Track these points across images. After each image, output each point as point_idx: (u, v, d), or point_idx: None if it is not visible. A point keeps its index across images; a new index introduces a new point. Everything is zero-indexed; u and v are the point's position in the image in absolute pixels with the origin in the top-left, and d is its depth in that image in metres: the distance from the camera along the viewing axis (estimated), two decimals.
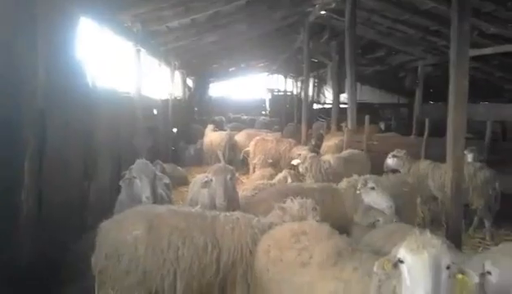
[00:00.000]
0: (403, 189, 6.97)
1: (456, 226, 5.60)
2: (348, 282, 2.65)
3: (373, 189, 5.41)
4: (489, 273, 2.74)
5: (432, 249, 2.17)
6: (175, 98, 15.73)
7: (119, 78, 9.93)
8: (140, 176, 4.97)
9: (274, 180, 8.10)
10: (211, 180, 5.13)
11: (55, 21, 5.41)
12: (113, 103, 8.09)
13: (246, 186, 7.66)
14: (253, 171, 11.44)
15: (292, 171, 8.52)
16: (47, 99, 5.02)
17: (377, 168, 9.20)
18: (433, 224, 7.91)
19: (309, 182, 7.56)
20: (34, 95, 4.86)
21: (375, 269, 2.30)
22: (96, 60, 7.35)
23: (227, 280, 3.86)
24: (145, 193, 4.89)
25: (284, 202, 4.49)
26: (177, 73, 16.75)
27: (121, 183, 5.12)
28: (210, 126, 15.60)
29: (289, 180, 7.90)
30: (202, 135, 15.48)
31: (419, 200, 7.43)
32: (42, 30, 4.97)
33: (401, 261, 2.23)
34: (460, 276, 2.24)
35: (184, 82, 18.99)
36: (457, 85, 5.39)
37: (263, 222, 4.07)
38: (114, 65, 9.61)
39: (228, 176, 5.12)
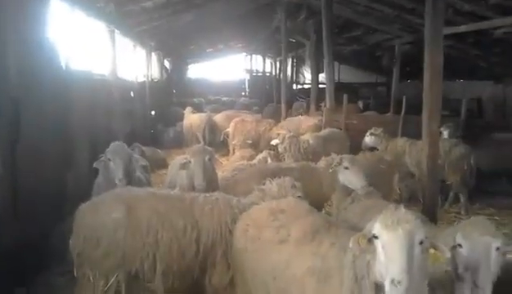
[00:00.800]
0: (381, 167, 7.08)
1: (432, 201, 5.73)
2: (325, 257, 2.68)
3: (347, 168, 5.45)
4: (460, 245, 2.81)
5: (406, 225, 2.20)
6: (152, 80, 15.49)
7: (94, 61, 9.71)
8: (114, 158, 4.92)
9: (254, 161, 8.11)
10: (189, 161, 5.10)
11: (24, 3, 5.22)
12: (88, 86, 7.92)
13: (226, 167, 7.66)
14: (233, 153, 11.43)
15: (272, 152, 8.54)
16: (20, 85, 4.88)
17: (356, 147, 9.32)
18: (410, 200, 8.06)
19: (288, 162, 7.59)
20: (6, 81, 4.70)
21: (350, 244, 2.33)
22: (68, 42, 7.15)
23: (207, 261, 3.87)
24: (118, 175, 4.85)
25: (263, 183, 4.50)
26: (154, 55, 16.47)
27: (95, 165, 5.06)
28: (189, 109, 15.46)
29: (269, 161, 7.92)
30: (181, 117, 15.33)
31: (396, 177, 7.55)
32: (12, 13, 4.79)
33: (376, 237, 2.26)
34: (432, 251, 2.29)
35: (161, 64, 18.70)
36: (432, 62, 5.45)
37: (243, 202, 4.08)
38: (87, 47, 9.38)
39: (207, 157, 5.10)
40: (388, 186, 6.93)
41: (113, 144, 5.12)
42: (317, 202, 5.42)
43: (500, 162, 8.83)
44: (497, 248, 2.74)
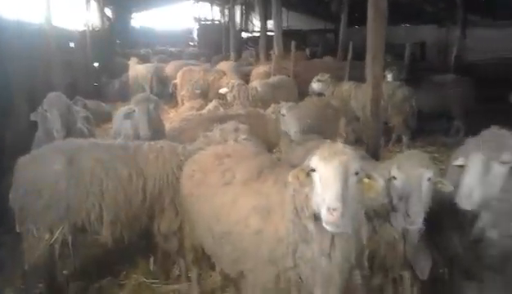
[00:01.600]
0: (328, 112, 7.22)
1: (375, 141, 5.91)
2: (269, 194, 2.74)
3: (284, 115, 5.57)
4: (394, 177, 2.96)
5: (342, 156, 2.27)
6: (93, 29, 14.65)
7: (26, 8, 9.01)
8: (50, 109, 4.71)
9: (203, 111, 8.01)
10: (134, 110, 4.97)
11: None
12: (21, 35, 7.39)
13: (174, 118, 7.53)
14: (182, 104, 11.20)
15: (221, 101, 8.46)
16: None
17: (305, 93, 9.42)
18: (356, 143, 8.32)
19: (236, 108, 7.56)
20: None
21: (289, 178, 2.39)
22: None
23: (155, 208, 3.88)
24: (56, 126, 4.66)
25: (210, 130, 4.48)
26: (93, 2, 15.51)
27: (32, 117, 4.82)
28: (134, 59, 14.82)
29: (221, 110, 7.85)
30: (126, 68, 14.70)
31: (343, 121, 7.71)
32: None
33: (314, 170, 2.32)
34: (366, 180, 2.39)
35: (101, 12, 17.65)
36: (376, 3, 5.45)
37: (189, 149, 4.06)
38: None
39: (151, 106, 4.98)
40: (334, 131, 7.11)
41: (49, 95, 4.87)
42: (265, 148, 5.49)
43: (440, 102, 9.23)
44: (429, 179, 2.91)
